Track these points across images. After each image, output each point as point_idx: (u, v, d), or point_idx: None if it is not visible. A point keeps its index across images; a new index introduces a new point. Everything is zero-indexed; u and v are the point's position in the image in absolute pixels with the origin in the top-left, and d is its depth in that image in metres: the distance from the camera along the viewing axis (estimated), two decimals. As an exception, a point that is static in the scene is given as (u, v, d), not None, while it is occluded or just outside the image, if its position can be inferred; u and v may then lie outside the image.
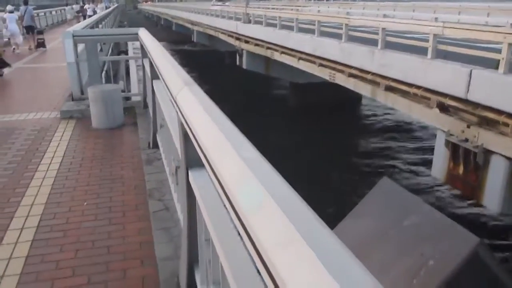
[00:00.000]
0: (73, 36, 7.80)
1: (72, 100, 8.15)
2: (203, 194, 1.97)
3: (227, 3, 27.70)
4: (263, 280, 0.87)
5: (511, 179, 7.73)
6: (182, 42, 43.78)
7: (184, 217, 2.55)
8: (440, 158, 9.16)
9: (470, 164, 8.29)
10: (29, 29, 18.83)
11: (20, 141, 6.29)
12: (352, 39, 12.18)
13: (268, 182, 1.03)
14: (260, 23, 18.64)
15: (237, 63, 21.63)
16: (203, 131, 1.64)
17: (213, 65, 32.21)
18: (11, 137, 6.50)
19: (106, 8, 34.18)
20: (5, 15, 17.99)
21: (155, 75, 4.57)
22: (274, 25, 17.03)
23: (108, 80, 10.02)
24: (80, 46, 8.50)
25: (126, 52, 19.82)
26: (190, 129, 1.86)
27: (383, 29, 10.43)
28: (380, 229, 5.56)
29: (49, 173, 5.09)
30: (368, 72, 11.07)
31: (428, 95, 9.04)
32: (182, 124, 2.13)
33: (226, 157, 1.30)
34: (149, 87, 5.81)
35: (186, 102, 2.08)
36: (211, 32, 28.11)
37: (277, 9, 21.60)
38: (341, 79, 12.82)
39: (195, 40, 34.64)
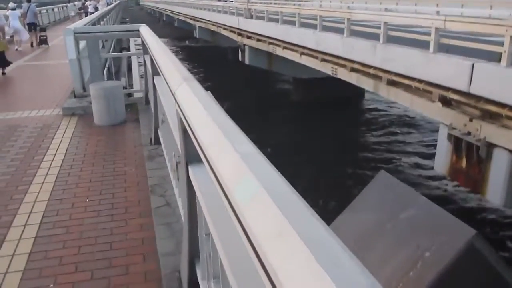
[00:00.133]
0: (74, 33, 7.81)
1: (74, 97, 8.17)
2: (203, 189, 1.98)
3: None
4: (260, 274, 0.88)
5: (514, 172, 7.71)
6: (185, 38, 43.74)
7: (185, 212, 2.56)
8: (443, 152, 9.14)
9: (472, 157, 8.26)
10: (32, 26, 18.88)
11: (22, 139, 6.32)
12: (354, 33, 12.14)
13: (263, 176, 1.04)
14: (262, 18, 18.59)
15: (240, 58, 21.60)
16: (200, 126, 1.65)
17: (216, 61, 32.18)
18: (14, 134, 6.53)
19: (108, 4, 34.16)
20: (8, 13, 18.03)
21: (155, 71, 4.58)
22: (276, 20, 16.99)
23: (110, 77, 10.03)
24: (82, 43, 8.51)
25: (128, 49, 19.88)
26: (188, 124, 1.87)
27: (385, 23, 10.39)
28: (377, 222, 5.58)
29: (51, 170, 5.12)
30: (370, 67, 11.04)
31: (430, 88, 9.01)
32: (181, 120, 2.14)
33: (223, 152, 1.31)
34: (150, 83, 5.82)
35: (184, 97, 2.08)
36: (213, 28, 28.06)
37: (279, 4, 21.51)
38: (343, 74, 12.79)
39: (197, 36, 34.56)
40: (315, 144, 15.73)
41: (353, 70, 12.07)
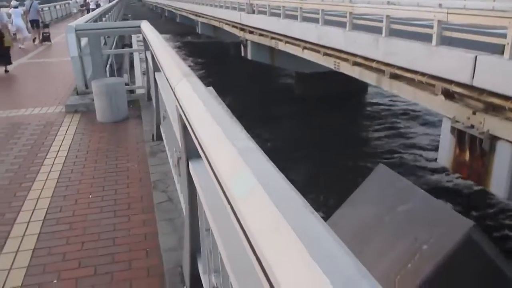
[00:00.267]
0: (76, 30, 7.82)
1: (77, 94, 8.19)
2: (202, 184, 1.99)
3: None
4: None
5: (518, 165, 7.68)
6: (187, 34, 43.62)
7: (186, 207, 2.57)
8: (446, 145, 9.11)
9: (476, 150, 8.23)
10: (34, 23, 18.92)
11: (26, 136, 6.35)
12: (356, 27, 12.09)
13: (259, 171, 1.04)
14: (264, 13, 18.53)
15: (242, 54, 21.55)
16: (199, 122, 1.66)
17: (218, 57, 32.13)
18: (17, 132, 6.56)
19: (110, 1, 34.12)
20: (10, 10, 18.08)
21: (156, 67, 4.58)
22: (278, 15, 16.93)
23: (112, 74, 10.04)
24: (84, 40, 8.52)
25: (130, 45, 19.86)
26: (187, 120, 1.87)
27: (387, 16, 10.34)
28: (376, 216, 5.59)
29: (54, 167, 5.14)
30: (373, 60, 11.00)
31: (433, 82, 8.97)
32: (180, 115, 2.14)
33: (220, 148, 1.31)
34: (152, 79, 5.82)
35: (184, 93, 2.09)
36: (215, 23, 27.99)
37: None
38: (346, 68, 12.76)
39: (199, 32, 34.49)
40: (317, 139, 15.71)
41: (355, 64, 12.02)
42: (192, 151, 2.18)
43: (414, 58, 9.38)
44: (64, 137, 6.25)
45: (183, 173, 2.55)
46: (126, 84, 8.24)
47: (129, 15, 45.03)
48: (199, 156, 2.01)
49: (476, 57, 7.69)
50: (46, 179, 4.80)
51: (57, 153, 5.60)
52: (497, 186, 8.06)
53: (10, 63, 12.05)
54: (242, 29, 21.34)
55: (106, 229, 3.72)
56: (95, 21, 12.07)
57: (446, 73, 8.48)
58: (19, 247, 3.50)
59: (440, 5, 14.80)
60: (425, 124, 17.54)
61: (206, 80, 24.24)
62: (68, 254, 3.37)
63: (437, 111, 9.57)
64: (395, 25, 10.51)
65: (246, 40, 20.77)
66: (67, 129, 6.61)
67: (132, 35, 19.91)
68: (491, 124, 7.75)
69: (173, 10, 47.76)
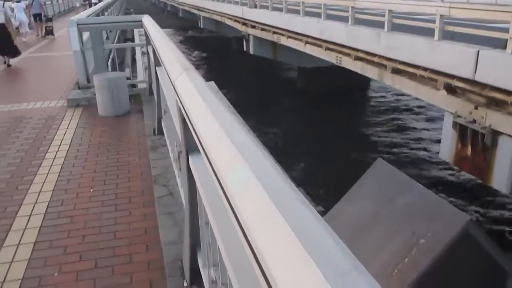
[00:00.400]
0: (78, 24, 7.81)
1: (79, 88, 8.20)
2: (202, 178, 2.00)
3: None
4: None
5: (520, 160, 7.67)
6: (189, 29, 43.52)
7: (186, 202, 2.58)
8: (448, 140, 9.09)
9: (478, 145, 8.22)
10: (37, 17, 18.94)
11: (28, 130, 6.37)
12: (358, 21, 12.05)
13: (255, 165, 1.05)
14: (266, 7, 18.47)
15: (244, 48, 21.50)
16: (197, 116, 1.66)
17: (220, 51, 32.08)
18: (19, 126, 6.58)
19: (112, -5, 33.99)
20: (13, 5, 18.09)
21: (158, 62, 4.58)
22: (280, 10, 16.88)
23: (114, 68, 10.05)
24: (86, 35, 8.52)
25: (132, 40, 19.81)
26: (187, 114, 1.88)
27: (390, 11, 10.30)
28: (374, 210, 5.60)
29: (56, 161, 5.16)
30: (374, 55, 10.97)
31: (435, 76, 8.94)
32: (180, 110, 2.15)
33: (218, 142, 1.32)
34: (153, 73, 5.82)
35: (184, 87, 2.09)
36: (218, 18, 27.91)
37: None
38: (348, 63, 12.72)
39: (201, 26, 34.39)
40: (319, 133, 15.71)
41: (357, 58, 11.99)
42: (191, 146, 2.18)
43: (416, 53, 9.35)
44: (66, 131, 6.27)
45: (183, 167, 2.56)
46: (128, 79, 8.24)
47: (131, 10, 44.88)
48: (198, 151, 2.01)
49: (478, 51, 7.66)
50: (48, 173, 4.82)
51: (59, 147, 5.62)
52: (499, 181, 8.05)
53: (19, 53, 12.16)
54: (244, 24, 21.28)
55: (107, 222, 3.74)
56: (97, 15, 12.05)
57: (448, 68, 8.46)
58: (20, 240, 3.52)
59: (443, -1, 14.68)
60: (427, 118, 17.51)
61: (208, 74, 24.22)
62: (69, 248, 3.39)
63: (439, 106, 9.55)
64: (397, 19, 10.47)
65: (248, 34, 20.71)
66: (69, 123, 6.62)
67: (134, 30, 19.88)
68: (493, 119, 7.73)
69: (175, 5, 47.62)
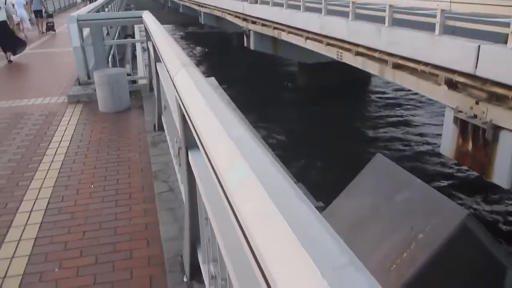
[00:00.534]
0: (78, 20, 7.80)
1: (79, 84, 8.20)
2: (201, 174, 2.00)
3: None
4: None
5: (521, 155, 7.66)
6: (190, 24, 43.41)
7: (186, 197, 2.59)
8: (449, 135, 9.08)
9: (479, 140, 8.20)
10: (38, 13, 18.94)
11: (28, 126, 6.37)
12: (359, 17, 12.02)
13: (253, 161, 1.05)
14: (266, 3, 18.42)
15: (245, 44, 21.45)
16: (196, 112, 1.66)
17: (221, 47, 32.03)
18: (20, 122, 6.59)
19: (112, -9, 33.92)
20: (14, 1, 18.07)
21: (157, 58, 4.58)
22: (280, 5, 16.84)
23: (114, 64, 10.04)
24: (86, 31, 8.50)
25: (132, 36, 19.81)
26: (186, 110, 1.87)
27: (390, 5, 10.27)
28: (373, 205, 5.59)
29: (57, 157, 5.17)
30: (375, 50, 10.94)
31: (436, 71, 8.92)
32: (180, 105, 2.15)
33: (217, 138, 1.32)
34: (153, 69, 5.82)
35: (183, 83, 2.09)
36: (218, 14, 27.84)
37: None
38: (348, 58, 12.69)
39: (202, 22, 34.27)
40: (320, 128, 15.70)
41: (358, 54, 11.96)
42: (191, 142, 2.18)
43: (417, 48, 9.33)
44: (66, 127, 6.27)
45: (183, 163, 2.56)
46: (128, 75, 8.23)
47: (132, 5, 44.79)
48: (198, 147, 2.02)
49: (479, 46, 7.64)
50: (48, 169, 4.83)
51: (59, 143, 5.63)
52: (499, 176, 8.05)
53: (25, 45, 12.21)
54: (244, 19, 21.23)
55: (108, 218, 3.74)
56: (98, 11, 12.02)
57: (449, 63, 8.43)
58: (21, 236, 3.53)
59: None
60: (428, 114, 17.48)
61: (209, 70, 24.19)
62: (69, 243, 3.40)
63: (440, 101, 9.53)
64: (397, 14, 10.43)
65: (249, 30, 20.66)
66: (69, 119, 6.62)
67: (134, 26, 19.87)
68: (494, 114, 7.72)
69: (176, 1, 47.47)
